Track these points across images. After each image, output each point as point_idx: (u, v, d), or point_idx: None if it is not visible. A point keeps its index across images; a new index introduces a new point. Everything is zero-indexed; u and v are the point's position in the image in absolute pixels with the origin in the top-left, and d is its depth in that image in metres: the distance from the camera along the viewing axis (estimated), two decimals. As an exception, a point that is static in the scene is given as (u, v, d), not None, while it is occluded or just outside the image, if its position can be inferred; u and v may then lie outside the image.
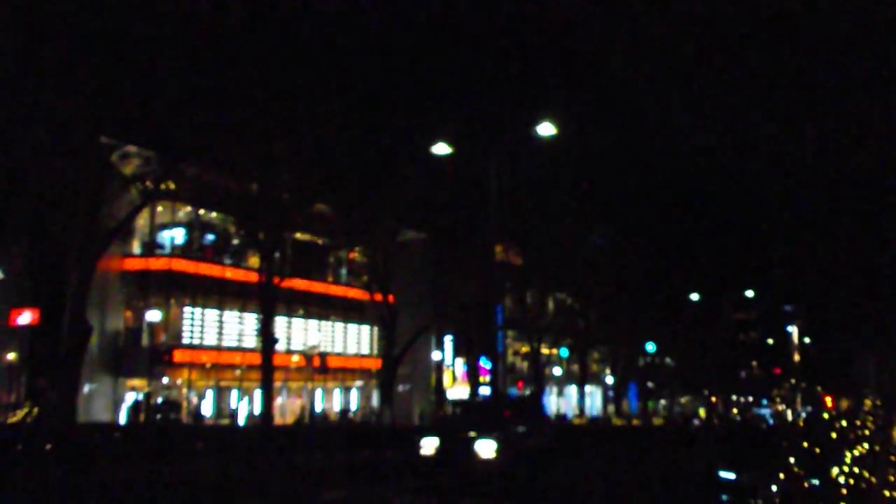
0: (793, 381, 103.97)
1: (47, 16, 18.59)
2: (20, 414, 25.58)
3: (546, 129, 24.70)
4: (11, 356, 35.44)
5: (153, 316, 36.69)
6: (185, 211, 39.68)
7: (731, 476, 18.00)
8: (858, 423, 64.18)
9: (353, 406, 49.40)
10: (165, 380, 38.14)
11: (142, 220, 36.23)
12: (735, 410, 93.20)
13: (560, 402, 65.91)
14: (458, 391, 53.39)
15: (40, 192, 21.79)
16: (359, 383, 49.75)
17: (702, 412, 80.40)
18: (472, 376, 45.28)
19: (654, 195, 67.21)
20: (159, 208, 37.88)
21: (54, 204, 21.75)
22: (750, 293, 78.57)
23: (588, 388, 59.93)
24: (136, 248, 38.01)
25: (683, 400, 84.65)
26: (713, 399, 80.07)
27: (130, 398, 37.24)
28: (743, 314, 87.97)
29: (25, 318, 33.81)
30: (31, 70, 19.35)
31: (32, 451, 16.29)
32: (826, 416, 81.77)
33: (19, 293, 34.74)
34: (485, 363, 42.46)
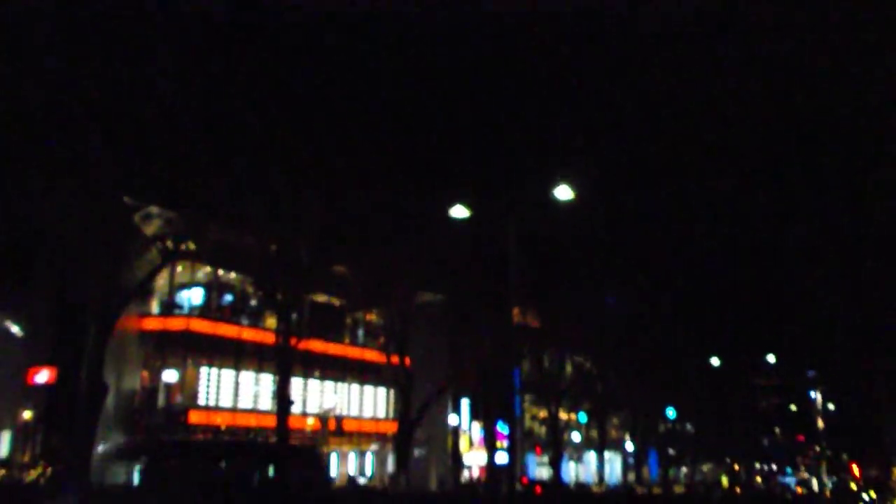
0: (817, 448, 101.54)
1: (72, 78, 19.06)
2: (34, 473, 25.46)
3: (564, 192, 24.84)
4: (28, 414, 35.42)
5: (170, 376, 36.63)
6: (204, 271, 39.97)
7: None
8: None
9: (369, 471, 48.69)
10: (180, 441, 37.84)
11: (161, 280, 36.50)
12: (758, 479, 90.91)
13: (579, 468, 64.66)
14: (475, 456, 52.56)
15: (62, 251, 22.03)
16: (374, 447, 49.11)
17: (724, 480, 78.54)
18: (489, 441, 44.55)
19: (673, 257, 67.02)
20: (178, 268, 38.19)
21: (75, 263, 21.97)
22: (771, 358, 77.44)
23: (607, 455, 58.79)
24: (155, 307, 38.22)
25: (705, 467, 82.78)
26: (736, 467, 78.28)
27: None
28: (764, 379, 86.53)
29: (43, 376, 33.92)
30: (56, 130, 19.78)
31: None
32: (854, 485, 79.52)
33: (38, 351, 34.94)
34: (502, 428, 41.82)
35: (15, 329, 37.48)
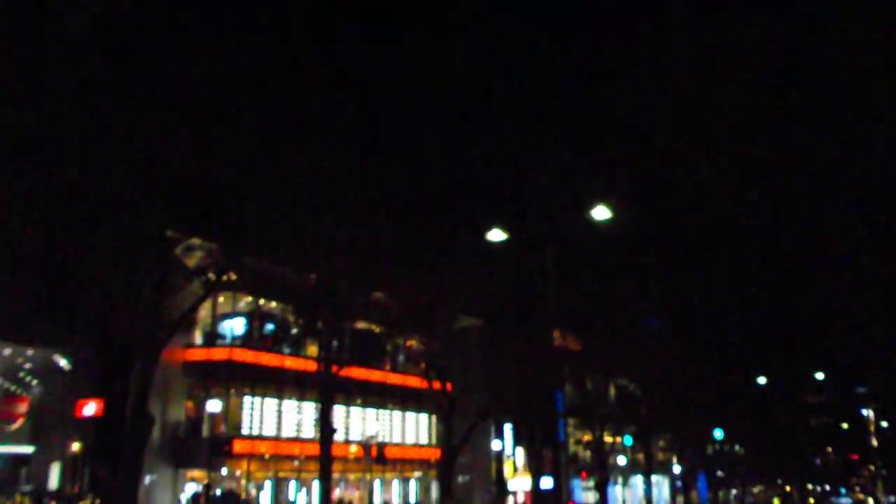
0: (872, 467, 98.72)
1: (113, 113, 19.44)
2: (83, 505, 25.77)
3: (601, 213, 24.65)
4: (76, 447, 35.95)
5: (213, 406, 36.91)
6: (245, 301, 40.35)
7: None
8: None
9: (413, 498, 48.42)
10: (224, 471, 38.05)
11: (203, 311, 36.92)
12: (811, 501, 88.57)
13: (626, 492, 63.61)
14: (519, 482, 52.01)
15: (107, 285, 22.38)
16: (417, 474, 48.87)
17: (776, 502, 76.66)
18: (535, 466, 44.03)
19: (718, 276, 66.19)
20: (220, 299, 38.60)
21: (120, 297, 22.29)
22: (820, 375, 75.71)
23: (654, 478, 57.74)
24: (198, 338, 38.64)
25: (756, 489, 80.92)
26: (787, 488, 76.42)
27: (190, 489, 37.20)
28: (814, 397, 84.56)
29: (90, 408, 34.46)
30: (98, 165, 20.16)
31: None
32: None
33: (85, 384, 35.52)
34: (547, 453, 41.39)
35: (63, 363, 38.22)
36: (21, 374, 40.75)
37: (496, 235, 26.03)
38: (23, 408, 39.37)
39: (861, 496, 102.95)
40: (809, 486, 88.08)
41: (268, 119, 24.17)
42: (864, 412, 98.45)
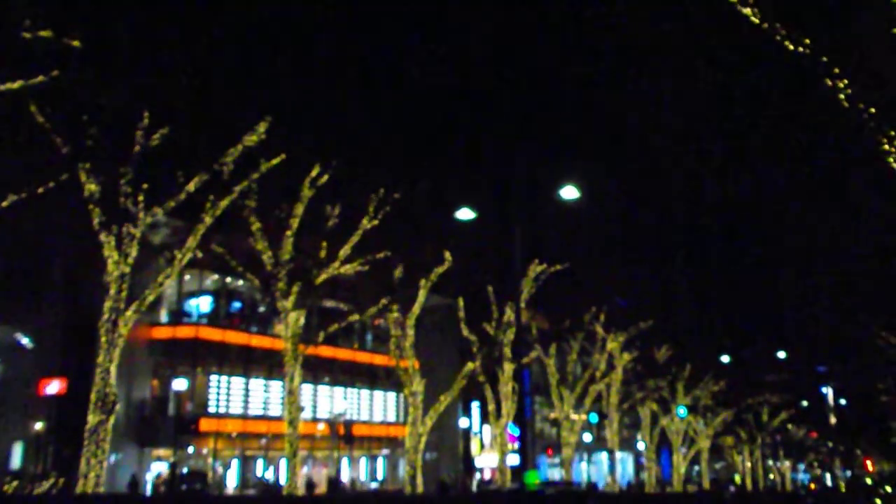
0: (830, 444, 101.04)
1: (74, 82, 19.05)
2: (47, 484, 25.45)
3: (569, 192, 24.74)
4: (39, 426, 35.52)
5: (179, 385, 36.70)
6: (211, 279, 40.04)
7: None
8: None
9: (380, 475, 48.64)
10: (191, 449, 37.92)
11: (169, 289, 36.58)
12: (772, 476, 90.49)
13: (591, 469, 64.51)
14: (486, 459, 52.47)
15: (69, 263, 22.07)
16: (385, 451, 49.10)
17: (737, 478, 78.16)
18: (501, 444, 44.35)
19: (681, 253, 66.92)
20: (186, 277, 38.25)
21: (83, 275, 21.99)
22: (782, 354, 77.10)
23: (619, 455, 58.55)
24: (164, 316, 38.29)
25: (718, 465, 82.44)
26: (748, 464, 77.96)
27: (156, 468, 37.01)
28: (775, 376, 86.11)
29: (54, 387, 34.06)
30: (69, 143, 19.80)
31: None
32: (869, 480, 79.05)
33: (48, 363, 35.04)
34: (513, 430, 41.72)
35: (25, 341, 37.62)
36: (-19, 353, 40.09)
37: (465, 214, 26.02)
38: (-17, 386, 38.77)
39: (819, 472, 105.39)
40: (770, 462, 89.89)
41: (228, 84, 23.92)
42: (824, 391, 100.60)
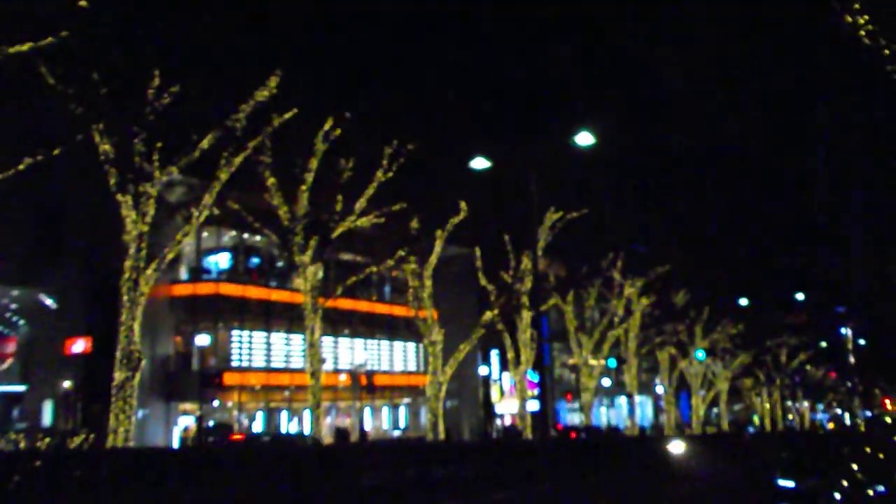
0: (849, 384, 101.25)
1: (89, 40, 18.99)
2: (77, 440, 26.04)
3: (584, 138, 24.55)
4: (67, 384, 36.24)
5: (202, 340, 37.21)
6: (229, 235, 40.26)
7: (791, 484, 17.44)
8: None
9: (402, 423, 49.40)
10: (216, 403, 38.58)
11: (188, 247, 36.84)
12: (791, 416, 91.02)
13: (610, 413, 65.17)
14: (506, 405, 53.08)
15: (90, 224, 22.22)
16: (406, 401, 49.76)
17: (755, 419, 78.75)
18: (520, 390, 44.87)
19: (698, 197, 66.52)
20: (205, 234, 38.48)
21: (104, 235, 22.17)
22: (800, 296, 76.87)
23: (638, 398, 59.04)
24: (184, 273, 38.65)
25: (737, 408, 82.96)
26: (767, 406, 78.38)
27: (183, 422, 37.75)
28: (794, 317, 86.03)
29: (79, 346, 34.65)
30: (81, 104, 19.81)
31: (91, 477, 16.55)
32: (889, 419, 79.39)
33: (73, 323, 35.59)
34: (532, 377, 42.11)
35: (49, 302, 38.19)
36: (8, 315, 40.74)
37: (480, 163, 25.91)
38: (11, 347, 39.50)
39: (838, 412, 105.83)
40: (789, 403, 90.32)
41: (245, 46, 23.76)
42: (843, 331, 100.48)
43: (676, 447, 35.89)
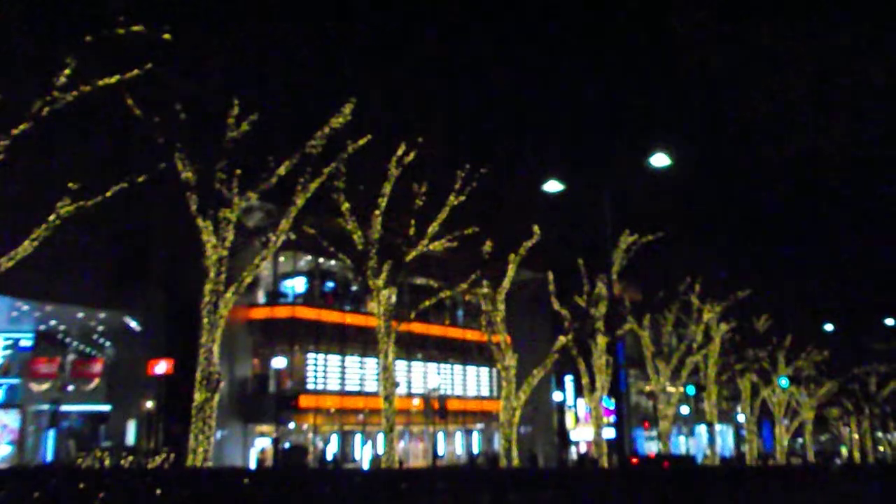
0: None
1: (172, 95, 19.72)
2: (158, 459, 26.73)
3: (660, 160, 24.09)
4: (150, 404, 37.29)
5: (279, 363, 37.84)
6: (305, 260, 40.97)
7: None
8: None
9: (476, 449, 49.05)
10: (292, 425, 39.05)
11: (265, 271, 37.61)
12: (882, 447, 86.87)
13: (689, 442, 63.39)
14: (581, 432, 52.21)
15: (173, 249, 22.88)
16: (480, 426, 49.44)
17: (844, 451, 75.42)
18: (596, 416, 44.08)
19: (777, 222, 64.58)
20: (281, 258, 39.23)
21: (185, 260, 22.78)
22: (890, 321, 73.64)
23: (718, 427, 57.35)
24: (261, 297, 39.43)
25: (823, 438, 79.68)
26: (856, 436, 75.03)
27: (260, 443, 38.33)
28: (883, 343, 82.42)
29: (161, 367, 35.62)
30: (161, 135, 20.53)
31: (172, 496, 16.86)
32: None
33: (156, 344, 36.68)
34: (607, 403, 41.31)
35: (133, 324, 39.50)
36: (94, 337, 42.32)
37: (552, 186, 25.68)
38: (98, 368, 40.97)
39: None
40: (880, 434, 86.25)
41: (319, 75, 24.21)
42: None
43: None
